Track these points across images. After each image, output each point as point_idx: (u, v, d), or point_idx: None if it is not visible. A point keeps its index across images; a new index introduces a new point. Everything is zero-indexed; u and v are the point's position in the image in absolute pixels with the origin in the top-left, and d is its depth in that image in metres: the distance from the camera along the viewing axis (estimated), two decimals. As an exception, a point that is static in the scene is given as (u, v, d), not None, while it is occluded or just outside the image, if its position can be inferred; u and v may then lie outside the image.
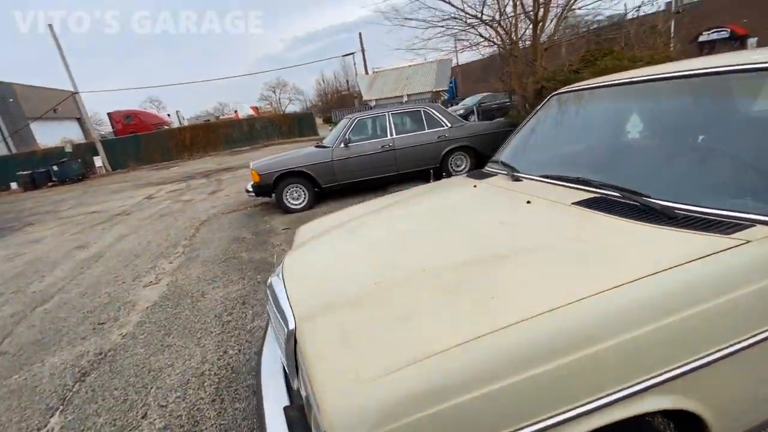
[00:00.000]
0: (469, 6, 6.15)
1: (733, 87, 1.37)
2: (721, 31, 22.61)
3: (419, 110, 6.35)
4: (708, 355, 0.88)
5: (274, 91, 63.84)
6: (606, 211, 1.27)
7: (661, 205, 1.18)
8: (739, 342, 0.90)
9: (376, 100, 14.21)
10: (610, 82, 1.88)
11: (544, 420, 0.78)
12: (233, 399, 2.07)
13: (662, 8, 8.14)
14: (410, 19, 6.45)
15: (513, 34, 6.32)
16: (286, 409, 1.21)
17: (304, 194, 5.95)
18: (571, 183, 1.54)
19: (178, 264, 4.44)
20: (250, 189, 6.02)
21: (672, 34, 7.46)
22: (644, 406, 0.85)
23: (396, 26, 6.33)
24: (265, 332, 1.71)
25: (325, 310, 1.12)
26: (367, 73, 22.75)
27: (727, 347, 0.89)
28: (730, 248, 0.97)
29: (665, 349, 0.87)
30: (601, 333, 0.84)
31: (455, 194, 1.94)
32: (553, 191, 1.53)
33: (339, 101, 50.04)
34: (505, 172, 1.92)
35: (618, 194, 1.31)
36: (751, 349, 0.91)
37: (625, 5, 6.67)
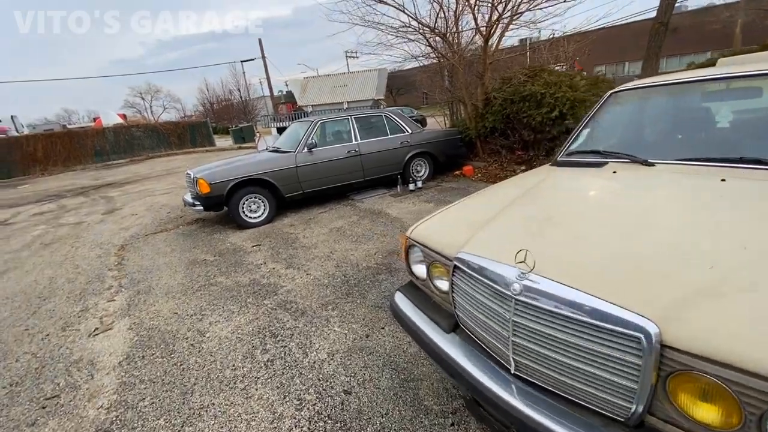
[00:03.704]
0: (419, 18, 6.32)
1: None
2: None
3: (381, 115, 6.20)
4: None
5: (143, 98, 55.98)
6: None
7: None
8: None
9: (313, 105, 13.48)
10: (692, 78, 2.07)
11: None
12: None
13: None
14: (375, 23, 6.31)
15: (457, 48, 6.71)
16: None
17: (264, 206, 5.20)
18: (725, 163, 1.59)
19: (126, 300, 3.37)
20: (196, 201, 4.99)
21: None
22: None
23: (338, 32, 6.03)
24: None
25: (695, 298, 0.91)
26: (269, 80, 21.59)
27: None
28: None
29: None
30: None
31: (600, 179, 1.84)
32: (718, 171, 1.57)
33: (224, 110, 46.17)
34: (626, 160, 1.92)
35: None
36: None
37: (539, 32, 7.76)
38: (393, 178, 6.17)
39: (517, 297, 1.13)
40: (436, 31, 6.30)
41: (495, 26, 5.90)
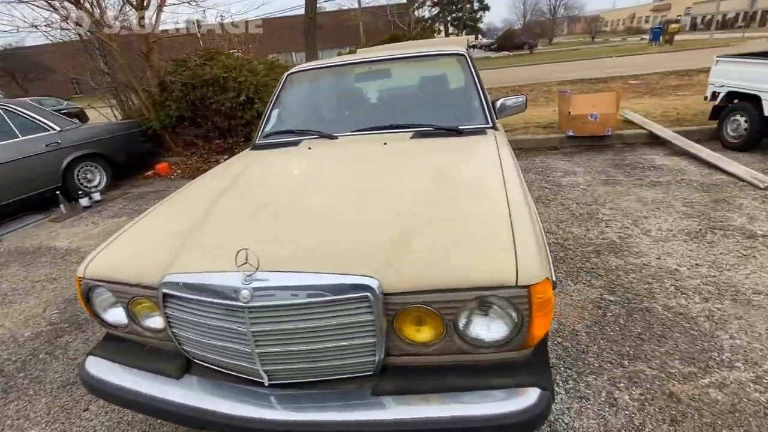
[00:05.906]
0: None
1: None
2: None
3: (-9, 108, 4.11)
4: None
5: None
6: (430, 136, 1.91)
7: (452, 128, 1.95)
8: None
9: None
10: (349, 61, 2.46)
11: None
12: None
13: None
14: None
15: (102, 19, 5.31)
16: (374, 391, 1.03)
17: None
18: (383, 130, 2.02)
19: None
20: None
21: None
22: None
23: None
24: None
25: (394, 246, 1.05)
26: None
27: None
28: (493, 137, 1.88)
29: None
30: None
31: (300, 156, 1.89)
32: (380, 137, 1.96)
33: None
34: (315, 136, 2.09)
35: (430, 129, 1.95)
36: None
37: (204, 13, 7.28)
38: (46, 196, 4.40)
39: (249, 305, 0.97)
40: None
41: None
